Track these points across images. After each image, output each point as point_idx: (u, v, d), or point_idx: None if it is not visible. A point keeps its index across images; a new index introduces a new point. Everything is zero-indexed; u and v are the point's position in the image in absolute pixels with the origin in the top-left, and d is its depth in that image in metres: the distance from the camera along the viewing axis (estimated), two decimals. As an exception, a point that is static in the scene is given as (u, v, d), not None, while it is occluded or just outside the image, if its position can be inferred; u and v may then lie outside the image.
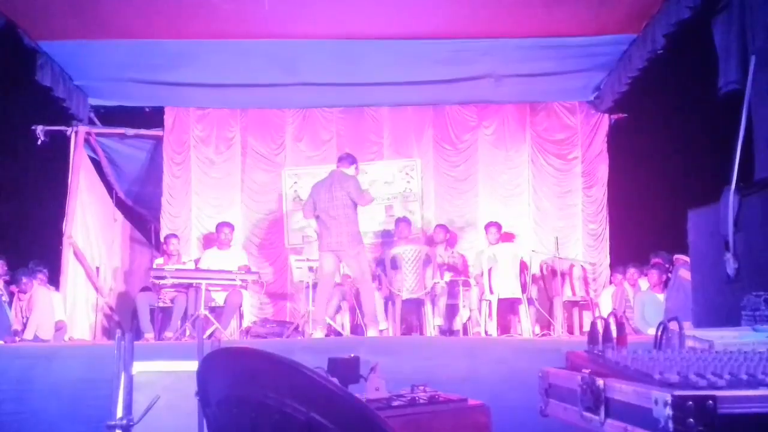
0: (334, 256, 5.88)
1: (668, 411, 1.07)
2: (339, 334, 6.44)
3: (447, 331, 6.79)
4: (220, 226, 7.32)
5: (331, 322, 6.40)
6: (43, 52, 6.71)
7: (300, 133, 8.26)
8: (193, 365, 1.60)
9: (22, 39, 6.35)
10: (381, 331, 6.55)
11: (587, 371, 1.40)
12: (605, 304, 7.11)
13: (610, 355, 1.45)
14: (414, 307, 6.68)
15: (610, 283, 7.54)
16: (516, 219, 8.01)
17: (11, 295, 6.74)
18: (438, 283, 6.60)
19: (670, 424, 1.06)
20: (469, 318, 6.90)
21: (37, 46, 6.60)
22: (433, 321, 6.46)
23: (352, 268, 6.07)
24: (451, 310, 6.87)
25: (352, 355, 2.42)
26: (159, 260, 7.28)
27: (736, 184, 3.66)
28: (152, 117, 8.24)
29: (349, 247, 5.79)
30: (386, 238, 7.91)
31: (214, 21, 6.22)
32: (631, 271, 7.14)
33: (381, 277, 6.72)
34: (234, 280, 6.55)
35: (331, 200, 5.86)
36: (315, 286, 6.28)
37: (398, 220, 7.41)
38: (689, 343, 1.78)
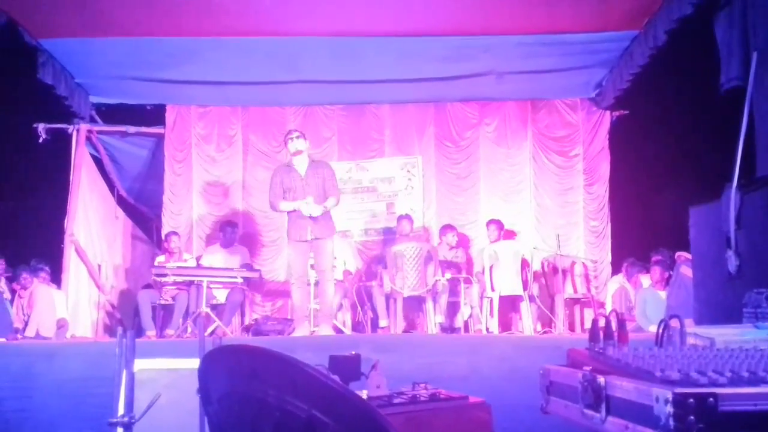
0: None
1: (669, 408, 1.07)
2: (340, 331, 6.45)
3: (448, 328, 6.79)
4: (224, 225, 7.34)
5: (333, 320, 6.40)
6: (45, 50, 6.71)
7: (301, 131, 8.23)
8: (194, 363, 1.60)
9: (23, 37, 6.35)
10: (382, 328, 6.56)
11: (588, 368, 1.41)
12: (611, 297, 7.13)
13: (611, 352, 1.45)
14: (415, 304, 6.68)
15: (619, 272, 7.49)
16: (517, 216, 8.01)
17: (13, 292, 6.75)
18: (439, 280, 6.60)
19: (671, 422, 1.06)
20: (471, 315, 6.90)
21: (39, 44, 6.60)
22: (434, 318, 6.46)
23: None
24: (453, 308, 6.86)
25: (354, 352, 2.42)
26: (160, 258, 7.28)
27: (738, 181, 3.66)
28: (154, 115, 8.24)
29: None
30: (387, 235, 7.91)
31: (215, 18, 6.22)
32: (626, 265, 7.18)
33: (382, 275, 6.72)
34: (235, 277, 6.56)
35: None
36: (318, 283, 6.28)
37: (400, 218, 7.40)
38: (690, 340, 1.78)
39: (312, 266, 5.83)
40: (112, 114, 8.20)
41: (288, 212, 5.69)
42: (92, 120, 8.13)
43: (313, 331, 5.89)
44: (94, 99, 7.98)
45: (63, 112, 7.59)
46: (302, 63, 7.18)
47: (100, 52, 6.88)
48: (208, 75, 7.48)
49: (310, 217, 5.55)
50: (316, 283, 6.15)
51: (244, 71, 7.38)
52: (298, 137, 5.73)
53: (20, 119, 7.46)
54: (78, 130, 7.88)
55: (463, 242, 7.79)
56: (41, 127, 7.70)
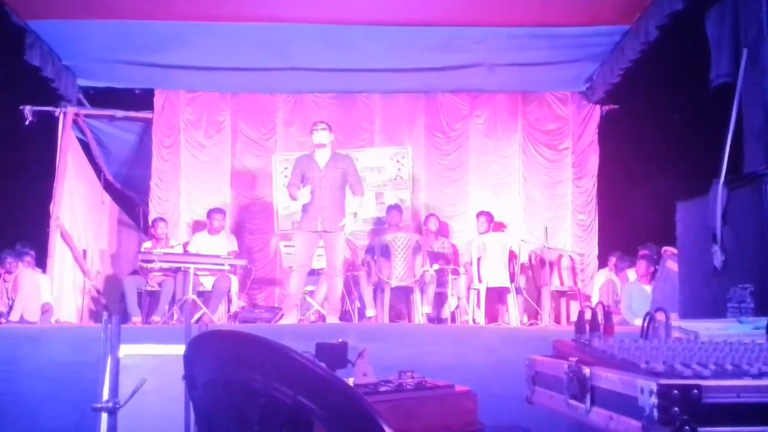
0: None
1: (653, 400, 1.08)
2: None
3: (435, 319, 6.80)
4: (212, 212, 7.28)
5: (320, 309, 6.41)
6: (32, 31, 6.63)
7: (291, 118, 8.22)
8: (180, 349, 1.59)
9: (10, 18, 6.27)
10: (369, 318, 6.56)
11: (574, 359, 1.41)
12: (597, 290, 7.18)
13: (597, 344, 1.46)
14: (403, 294, 6.69)
15: (605, 266, 7.55)
16: (506, 208, 8.03)
17: (-3, 276, 6.69)
18: (427, 271, 6.61)
19: (655, 413, 1.07)
20: (458, 306, 6.92)
21: (26, 25, 6.52)
22: (421, 309, 6.47)
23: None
24: (440, 299, 6.88)
25: (341, 340, 2.42)
26: (147, 244, 7.24)
27: (725, 177, 3.68)
28: (142, 99, 8.16)
29: None
30: (376, 225, 7.91)
31: (206, 3, 6.17)
32: (613, 260, 7.21)
33: (370, 264, 6.72)
34: (222, 265, 6.54)
35: None
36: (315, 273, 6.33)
37: (390, 208, 7.40)
38: (675, 333, 1.80)
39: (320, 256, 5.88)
40: (100, 97, 8.12)
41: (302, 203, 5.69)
42: (79, 103, 8.04)
43: (301, 319, 5.90)
44: (81, 82, 7.89)
45: (50, 95, 7.51)
46: (293, 50, 7.13)
47: (88, 34, 6.80)
48: (198, 60, 7.41)
49: (322, 209, 5.57)
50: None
51: (235, 57, 7.32)
52: (323, 129, 5.71)
53: (6, 101, 7.36)
54: (65, 113, 7.79)
55: (448, 232, 7.81)
56: (27, 110, 7.61)
